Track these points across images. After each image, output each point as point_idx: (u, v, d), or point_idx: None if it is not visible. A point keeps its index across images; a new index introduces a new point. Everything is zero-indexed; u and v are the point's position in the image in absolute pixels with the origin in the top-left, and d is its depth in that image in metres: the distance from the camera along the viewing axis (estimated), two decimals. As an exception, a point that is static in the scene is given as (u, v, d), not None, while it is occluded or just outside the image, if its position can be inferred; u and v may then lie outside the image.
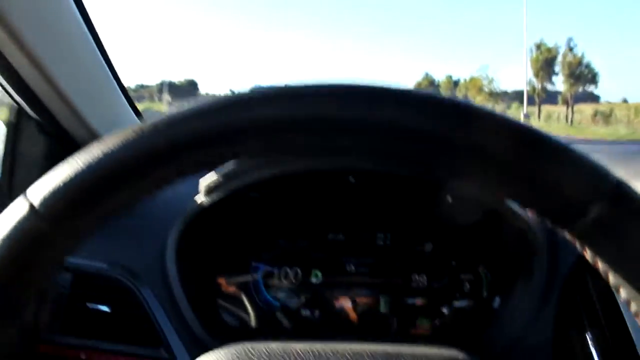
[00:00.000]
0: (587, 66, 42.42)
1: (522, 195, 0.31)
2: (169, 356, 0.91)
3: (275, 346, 0.65)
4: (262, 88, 0.32)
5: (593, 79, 42.87)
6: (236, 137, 0.32)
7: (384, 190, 0.97)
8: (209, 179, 0.90)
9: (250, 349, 0.64)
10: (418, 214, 1.00)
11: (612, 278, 0.30)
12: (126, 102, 1.19)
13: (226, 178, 0.89)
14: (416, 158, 0.31)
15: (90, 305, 0.95)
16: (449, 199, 0.90)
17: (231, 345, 0.67)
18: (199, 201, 0.92)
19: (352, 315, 0.99)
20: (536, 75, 43.18)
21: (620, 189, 0.29)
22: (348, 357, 0.63)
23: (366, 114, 0.30)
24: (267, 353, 0.64)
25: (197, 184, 0.91)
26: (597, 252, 0.30)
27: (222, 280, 1.01)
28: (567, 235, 0.30)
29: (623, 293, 0.31)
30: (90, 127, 1.04)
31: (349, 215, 1.02)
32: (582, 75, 42.28)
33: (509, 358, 0.84)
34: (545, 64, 42.98)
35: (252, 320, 1.00)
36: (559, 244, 0.88)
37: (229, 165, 0.90)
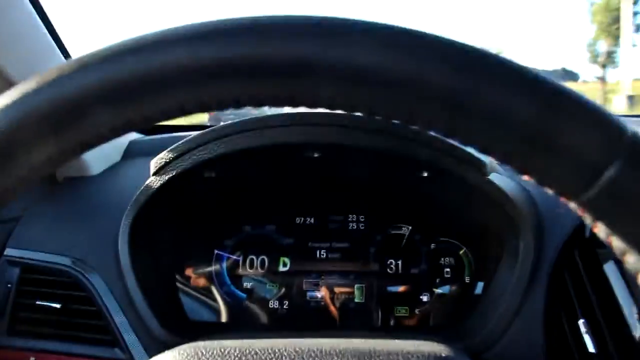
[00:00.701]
0: None
1: (524, 159, 0.24)
2: (125, 356, 0.83)
3: (231, 344, 0.58)
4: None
5: None
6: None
7: (354, 167, 0.89)
8: (158, 158, 0.82)
9: (203, 349, 0.57)
10: (392, 193, 0.92)
11: (629, 258, 0.24)
12: (54, 44, 0.99)
13: (176, 155, 0.81)
14: (390, 107, 0.25)
15: (39, 302, 0.87)
16: (425, 173, 0.82)
17: (183, 346, 0.60)
18: (148, 183, 0.83)
19: (325, 305, 0.92)
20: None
21: (637, 143, 0.23)
22: (312, 357, 0.56)
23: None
24: (221, 353, 0.56)
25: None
26: (610, 222, 0.24)
27: (183, 272, 0.94)
28: (574, 206, 0.24)
29: None
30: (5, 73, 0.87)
31: (317, 196, 0.94)
32: None
33: (496, 347, 0.78)
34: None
35: (217, 315, 0.93)
36: (545, 224, 0.81)
37: (179, 143, 0.82)
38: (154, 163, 0.82)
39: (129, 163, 1.13)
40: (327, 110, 0.26)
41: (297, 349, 0.57)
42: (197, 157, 0.80)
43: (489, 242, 0.87)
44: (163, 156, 0.82)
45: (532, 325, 0.78)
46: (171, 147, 0.82)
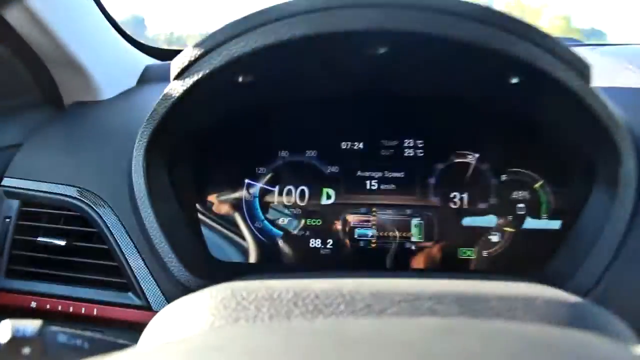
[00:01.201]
0: None
1: None
2: (140, 302, 0.73)
3: (279, 285, 0.44)
4: None
5: None
6: None
7: (424, 70, 0.74)
8: (181, 56, 0.66)
9: (244, 291, 0.43)
10: (461, 110, 0.78)
11: None
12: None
13: (204, 52, 0.65)
14: None
15: (41, 239, 0.79)
16: (514, 79, 0.66)
17: (217, 286, 0.46)
18: (168, 90, 0.68)
19: (377, 244, 0.80)
20: None
21: None
22: (396, 303, 0.42)
23: None
24: (269, 296, 0.42)
25: None
26: None
27: (207, 203, 0.83)
28: None
29: None
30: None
31: (368, 116, 0.82)
32: None
33: (590, 295, 0.64)
34: None
35: (246, 255, 0.82)
36: None
37: (207, 35, 0.65)
38: (176, 64, 0.67)
39: (145, 88, 1.03)
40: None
41: (373, 291, 0.43)
42: (231, 53, 0.63)
43: (573, 171, 0.74)
44: (187, 53, 0.66)
45: (637, 268, 0.64)
46: (197, 42, 0.65)
